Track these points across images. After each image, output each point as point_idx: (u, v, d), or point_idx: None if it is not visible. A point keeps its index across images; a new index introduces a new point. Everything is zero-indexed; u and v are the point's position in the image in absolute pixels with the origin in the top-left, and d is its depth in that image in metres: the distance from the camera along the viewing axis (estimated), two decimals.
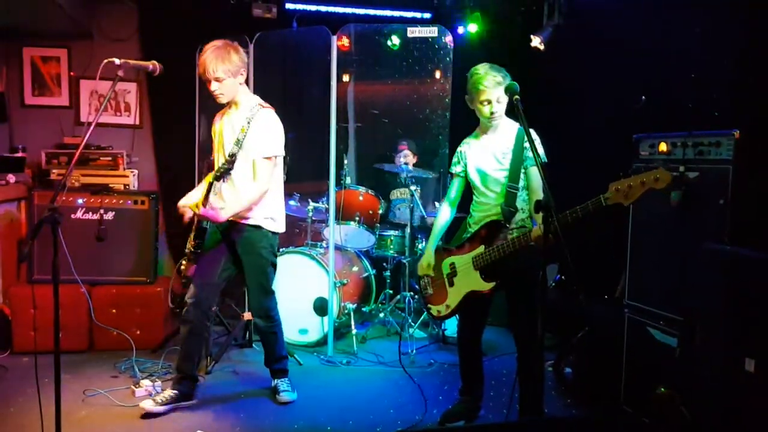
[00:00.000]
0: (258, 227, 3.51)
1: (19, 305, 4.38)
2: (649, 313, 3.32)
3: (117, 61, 3.00)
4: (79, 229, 4.47)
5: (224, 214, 3.34)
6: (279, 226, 3.63)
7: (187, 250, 3.46)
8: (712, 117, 3.61)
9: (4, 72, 5.50)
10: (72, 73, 5.60)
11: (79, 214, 4.57)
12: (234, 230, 3.53)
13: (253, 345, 4.70)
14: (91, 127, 2.81)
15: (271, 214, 3.55)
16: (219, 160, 3.54)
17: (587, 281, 4.58)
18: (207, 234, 3.48)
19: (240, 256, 3.58)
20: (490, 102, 3.12)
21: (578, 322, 4.03)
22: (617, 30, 4.69)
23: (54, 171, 5.01)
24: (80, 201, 4.57)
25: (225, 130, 3.52)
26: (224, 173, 3.28)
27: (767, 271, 2.55)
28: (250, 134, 3.38)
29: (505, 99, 3.09)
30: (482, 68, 3.14)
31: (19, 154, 5.13)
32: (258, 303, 3.68)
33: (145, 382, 3.75)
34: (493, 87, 3.08)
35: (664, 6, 4.19)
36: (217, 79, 3.34)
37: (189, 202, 3.47)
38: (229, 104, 3.53)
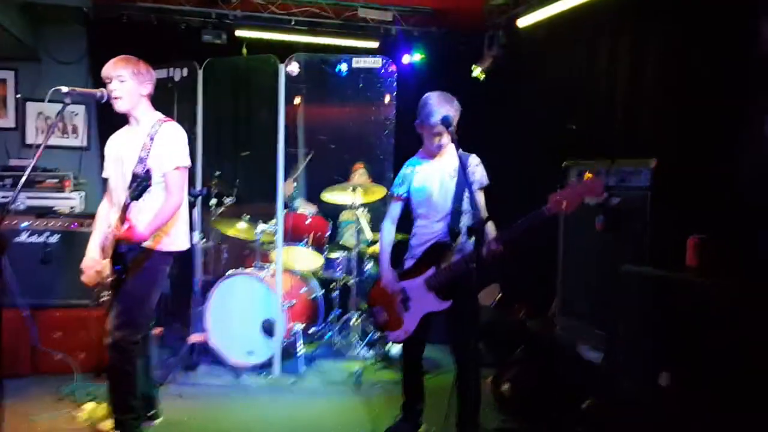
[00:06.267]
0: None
1: None
2: (577, 329, 3.52)
3: (64, 89, 3.01)
4: (23, 253, 4.43)
5: (146, 232, 3.21)
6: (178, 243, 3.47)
7: (108, 280, 3.25)
8: (637, 145, 3.88)
9: None
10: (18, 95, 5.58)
11: (23, 237, 4.52)
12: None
13: (200, 367, 4.72)
14: (40, 150, 2.84)
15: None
16: (118, 180, 3.38)
17: (526, 299, 4.83)
18: (126, 258, 3.27)
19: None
20: (440, 135, 3.24)
21: (516, 339, 4.21)
22: (551, 61, 4.99)
23: None
24: (25, 224, 4.53)
25: (126, 149, 3.36)
26: (142, 192, 3.04)
27: (680, 290, 2.76)
28: (156, 149, 3.26)
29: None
30: (434, 99, 3.22)
31: None
32: None
33: (89, 406, 3.74)
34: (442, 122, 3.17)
35: (592, 39, 4.47)
36: (119, 77, 3.23)
37: (92, 258, 3.36)
38: (129, 121, 3.42)
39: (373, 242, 5.23)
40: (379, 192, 5.23)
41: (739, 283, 2.56)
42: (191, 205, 4.49)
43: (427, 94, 3.28)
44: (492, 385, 4.11)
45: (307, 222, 5.28)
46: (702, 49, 3.47)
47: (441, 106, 3.17)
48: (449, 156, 3.35)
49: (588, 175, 2.71)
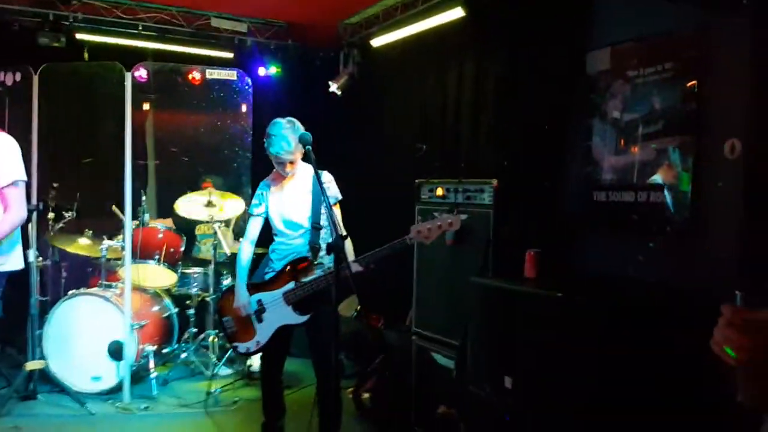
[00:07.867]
0: None
1: None
2: (432, 339, 3.71)
3: None
4: None
5: None
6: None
7: None
8: (481, 165, 4.17)
9: None
10: None
11: None
12: None
13: (39, 396, 4.36)
14: None
15: None
16: None
17: (385, 311, 4.99)
18: None
19: None
20: (292, 163, 3.31)
21: (376, 349, 4.35)
22: (404, 81, 5.20)
23: None
24: None
25: None
26: None
27: (519, 300, 3.01)
28: None
29: (299, 152, 3.28)
30: (284, 128, 3.25)
31: None
32: None
33: None
34: (292, 152, 3.25)
35: (440, 63, 4.72)
36: None
37: None
38: None
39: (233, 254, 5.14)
40: (237, 207, 5.15)
41: (561, 292, 2.83)
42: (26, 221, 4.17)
43: (271, 123, 3.32)
44: (353, 394, 4.22)
45: (159, 237, 5.06)
46: (533, 74, 3.80)
47: (281, 138, 3.23)
48: (304, 173, 3.43)
49: (453, 218, 2.99)
